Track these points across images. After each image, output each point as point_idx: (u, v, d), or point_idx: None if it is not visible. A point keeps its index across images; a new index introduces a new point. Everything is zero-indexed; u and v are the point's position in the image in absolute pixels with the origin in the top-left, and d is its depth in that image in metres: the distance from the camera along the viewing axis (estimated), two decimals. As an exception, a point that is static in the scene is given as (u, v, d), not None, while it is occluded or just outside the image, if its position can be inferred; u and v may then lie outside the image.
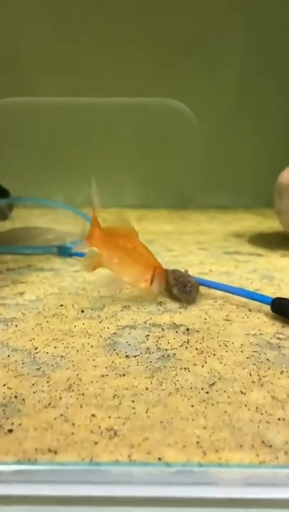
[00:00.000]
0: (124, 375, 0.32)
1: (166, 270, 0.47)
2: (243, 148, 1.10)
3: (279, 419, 0.27)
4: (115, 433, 0.26)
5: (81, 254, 0.64)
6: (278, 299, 0.42)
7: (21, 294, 0.49)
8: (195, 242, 0.77)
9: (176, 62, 1.01)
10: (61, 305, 0.45)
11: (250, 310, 0.45)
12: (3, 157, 1.09)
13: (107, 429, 0.26)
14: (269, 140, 1.07)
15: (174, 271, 0.49)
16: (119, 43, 1.01)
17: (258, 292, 0.46)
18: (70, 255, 0.65)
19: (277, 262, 0.63)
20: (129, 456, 0.24)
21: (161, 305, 0.46)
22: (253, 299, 0.44)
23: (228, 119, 1.06)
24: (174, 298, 0.47)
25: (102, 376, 0.32)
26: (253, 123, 1.08)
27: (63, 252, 0.66)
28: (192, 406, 0.28)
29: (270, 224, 0.88)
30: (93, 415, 0.27)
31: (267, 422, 0.27)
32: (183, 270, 0.50)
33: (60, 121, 1.02)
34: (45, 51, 1.02)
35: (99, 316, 0.43)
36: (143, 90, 0.98)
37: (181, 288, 0.46)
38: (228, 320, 0.42)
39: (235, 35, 0.99)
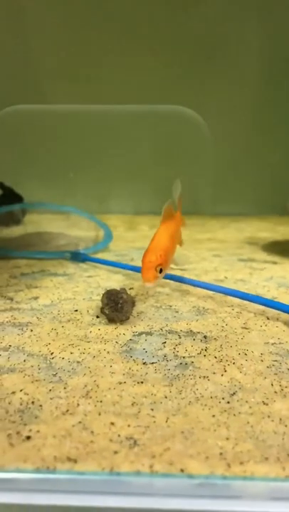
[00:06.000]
0: (142, 382, 0.31)
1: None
2: (257, 157, 1.09)
3: (304, 431, 0.26)
4: (135, 442, 0.25)
5: (94, 260, 0.64)
6: (298, 307, 0.41)
7: (35, 298, 0.48)
8: (209, 248, 0.76)
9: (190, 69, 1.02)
10: (76, 310, 0.45)
11: (268, 318, 0.44)
12: (17, 162, 1.09)
13: (126, 437, 0.25)
14: (285, 148, 1.07)
15: (109, 291, 0.45)
16: (130, 49, 1.01)
17: (276, 300, 0.45)
18: (83, 261, 0.65)
19: (293, 271, 0.62)
20: (150, 466, 0.23)
21: (177, 312, 0.45)
22: (272, 307, 0.43)
23: (242, 128, 1.05)
24: (109, 318, 0.43)
25: (120, 383, 0.31)
26: (268, 132, 1.08)
27: (76, 257, 0.65)
28: (213, 416, 0.27)
29: (283, 232, 0.87)
30: (112, 423, 0.27)
31: (291, 434, 0.26)
32: (119, 288, 0.46)
33: (72, 129, 1.02)
34: (58, 58, 1.02)
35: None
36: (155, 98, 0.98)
37: (112, 306, 0.43)
38: (246, 328, 0.41)
39: (253, 42, 0.99)
